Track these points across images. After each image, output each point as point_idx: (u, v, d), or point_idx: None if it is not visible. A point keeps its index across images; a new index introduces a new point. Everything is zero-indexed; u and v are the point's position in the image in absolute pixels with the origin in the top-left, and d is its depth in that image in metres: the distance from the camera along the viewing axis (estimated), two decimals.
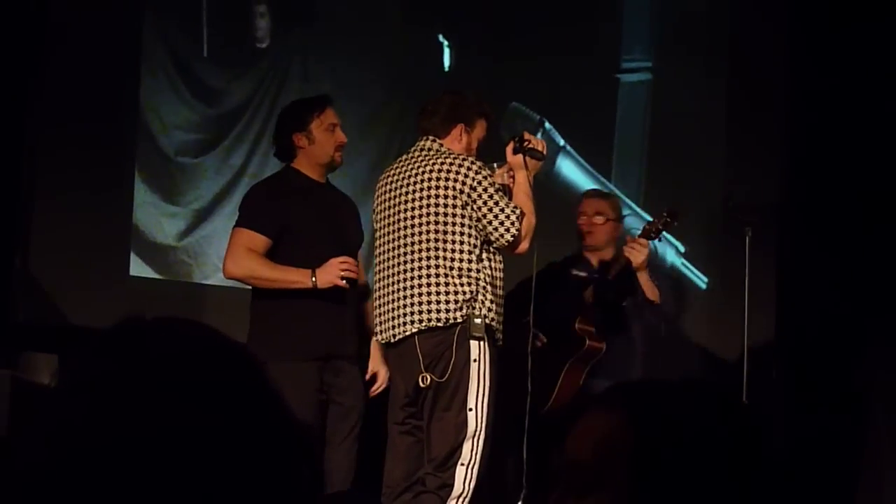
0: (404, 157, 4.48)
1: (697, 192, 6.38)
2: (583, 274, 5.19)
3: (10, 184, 5.70)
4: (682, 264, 6.25)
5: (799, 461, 6.04)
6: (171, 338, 1.06)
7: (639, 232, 5.09)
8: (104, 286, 5.75)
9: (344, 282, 4.38)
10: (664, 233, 5.12)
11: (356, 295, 4.54)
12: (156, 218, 6.04)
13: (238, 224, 4.50)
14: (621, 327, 5.15)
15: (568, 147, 6.36)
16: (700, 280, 6.30)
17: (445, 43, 6.41)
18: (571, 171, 6.39)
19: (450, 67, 6.40)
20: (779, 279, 6.20)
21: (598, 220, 5.19)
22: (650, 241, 5.03)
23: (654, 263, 5.40)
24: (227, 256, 4.47)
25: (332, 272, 4.36)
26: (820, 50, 6.32)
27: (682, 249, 6.30)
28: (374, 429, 4.47)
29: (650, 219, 5.69)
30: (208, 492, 0.98)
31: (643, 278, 5.00)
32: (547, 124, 6.33)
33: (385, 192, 4.44)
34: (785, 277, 6.21)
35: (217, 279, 5.64)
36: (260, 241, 4.42)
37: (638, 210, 6.30)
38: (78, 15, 5.92)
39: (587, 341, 5.00)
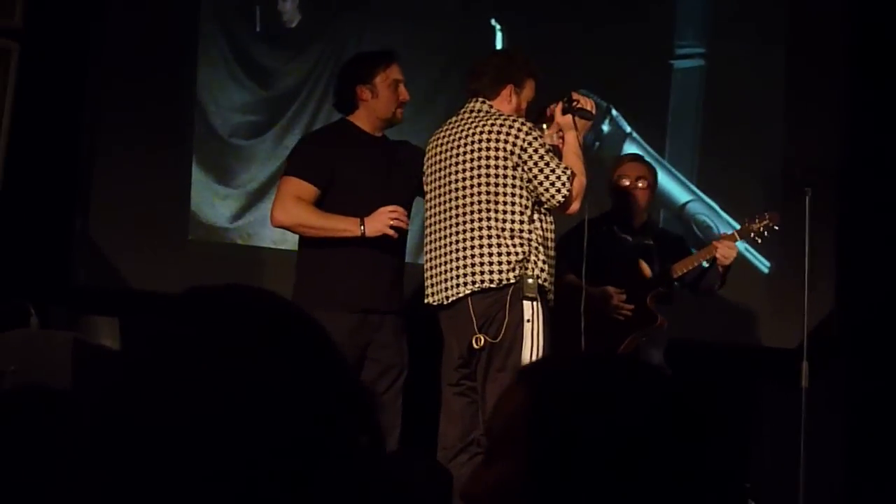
0: (454, 118, 4.48)
1: (755, 164, 6.34)
2: (628, 237, 5.20)
3: (70, 147, 5.79)
4: (746, 249, 6.23)
5: (860, 429, 5.99)
6: (233, 302, 1.08)
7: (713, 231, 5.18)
8: (163, 249, 5.82)
9: (393, 231, 4.37)
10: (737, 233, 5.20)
11: (401, 247, 4.52)
12: (209, 199, 6.07)
13: (286, 172, 4.51)
14: (672, 301, 5.21)
15: (634, 134, 6.33)
16: (762, 264, 6.25)
17: (498, 27, 6.36)
18: None
19: (498, 49, 6.33)
20: (839, 241, 6.14)
21: (642, 184, 5.20)
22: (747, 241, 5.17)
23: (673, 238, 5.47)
24: (276, 204, 4.48)
25: (382, 220, 4.35)
26: (881, 7, 6.24)
27: None
28: (429, 390, 4.50)
29: (734, 223, 5.71)
30: (268, 451, 1.00)
31: (723, 272, 5.06)
32: (613, 111, 6.30)
33: (435, 154, 4.45)
34: (846, 239, 6.16)
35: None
36: (308, 189, 4.42)
37: (724, 215, 6.28)
38: None
39: (659, 318, 5.04)
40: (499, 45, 6.30)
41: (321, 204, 4.44)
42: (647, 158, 5.91)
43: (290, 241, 5.29)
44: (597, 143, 6.21)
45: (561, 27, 6.33)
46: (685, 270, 5.11)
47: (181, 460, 0.99)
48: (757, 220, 5.12)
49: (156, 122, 5.91)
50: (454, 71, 6.26)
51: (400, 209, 4.41)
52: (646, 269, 5.10)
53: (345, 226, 4.38)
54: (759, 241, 5.24)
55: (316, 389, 1.03)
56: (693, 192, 6.35)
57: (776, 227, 5.12)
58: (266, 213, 5.89)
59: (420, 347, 4.58)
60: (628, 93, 6.37)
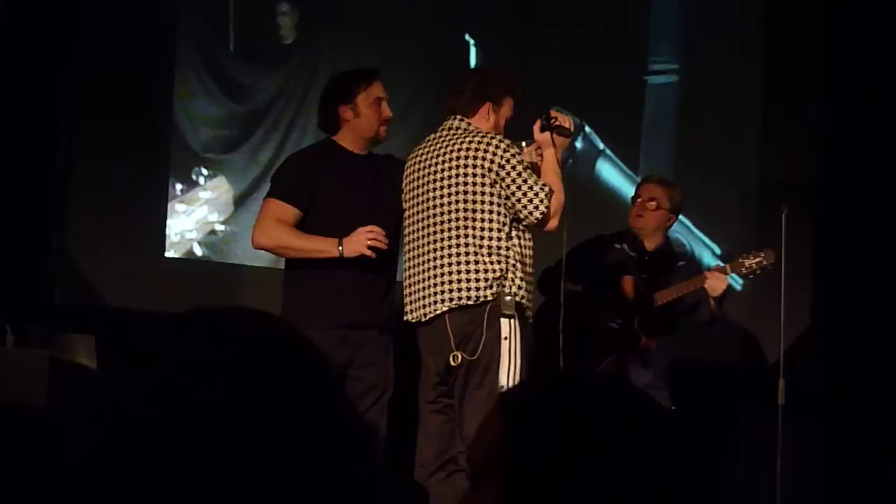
0: (432, 136, 4.48)
1: (730, 181, 6.37)
2: (633, 254, 5.22)
3: (46, 165, 5.77)
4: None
5: (836, 447, 6.01)
6: (215, 321, 1.07)
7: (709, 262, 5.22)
8: (140, 267, 5.80)
9: (371, 251, 4.39)
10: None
11: (388, 265, 4.54)
12: (182, 214, 6.06)
13: (268, 195, 4.52)
14: (672, 326, 5.21)
15: (607, 151, 6.35)
16: (735, 282, 6.29)
17: (472, 42, 6.37)
18: (611, 174, 6.38)
19: (476, 67, 6.33)
20: (815, 258, 6.17)
21: (651, 205, 5.20)
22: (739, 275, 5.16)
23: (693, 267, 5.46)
24: (256, 226, 4.49)
25: (360, 241, 4.36)
26: (856, 26, 6.28)
27: (719, 252, 6.28)
28: (407, 407, 4.49)
29: (707, 240, 5.72)
30: (259, 472, 0.98)
31: (713, 305, 5.04)
32: (587, 128, 6.32)
33: (413, 171, 4.45)
34: (822, 256, 6.19)
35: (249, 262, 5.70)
36: (289, 211, 4.43)
37: (698, 232, 6.29)
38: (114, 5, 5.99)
39: (643, 339, 5.05)
40: (473, 61, 6.31)
41: (305, 225, 4.45)
42: (622, 176, 5.94)
43: (264, 258, 5.29)
44: (570, 160, 6.24)
45: (534, 43, 6.34)
46: (668, 300, 5.11)
47: (179, 482, 0.98)
48: (751, 256, 5.08)
49: (132, 138, 5.90)
50: (429, 86, 6.27)
51: (378, 229, 4.41)
52: (627, 287, 5.12)
53: (323, 247, 4.39)
54: (752, 277, 5.21)
55: (319, 419, 1.02)
56: (695, 235, 6.37)
57: (770, 266, 5.09)
58: (238, 229, 5.91)
59: (398, 364, 4.57)
60: (602, 109, 6.39)
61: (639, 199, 5.23)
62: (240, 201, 6.08)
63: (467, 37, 6.39)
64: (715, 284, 4.99)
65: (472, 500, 1.20)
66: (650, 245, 5.22)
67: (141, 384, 1.01)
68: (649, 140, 6.49)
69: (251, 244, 4.58)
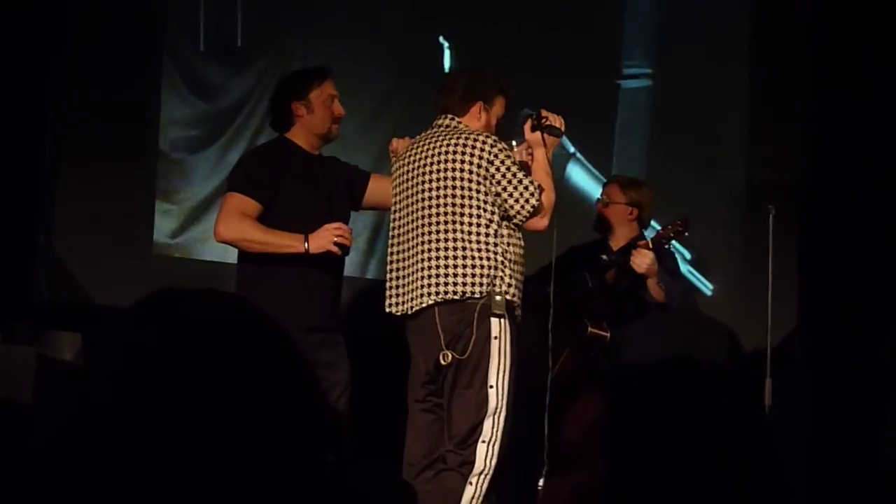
0: (423, 134, 4.48)
1: (713, 182, 6.36)
2: (604, 256, 5.23)
3: (33, 161, 5.76)
4: (688, 271, 6.25)
5: (821, 443, 6.01)
6: (195, 310, 1.07)
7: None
8: (127, 264, 5.78)
9: (336, 248, 4.37)
10: (673, 241, 5.22)
11: (341, 266, 4.52)
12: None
13: (230, 188, 4.48)
14: (635, 315, 5.19)
15: (578, 154, 6.35)
16: (705, 287, 6.29)
17: (446, 45, 6.36)
18: (581, 177, 6.38)
19: (450, 70, 6.29)
20: (802, 258, 6.18)
21: (603, 204, 5.27)
22: (661, 247, 5.12)
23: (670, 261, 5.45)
24: (219, 219, 4.44)
25: (326, 237, 4.34)
26: (842, 25, 6.29)
27: (689, 256, 6.29)
28: (395, 406, 4.48)
29: (683, 250, 5.74)
30: (236, 464, 0.98)
31: (650, 283, 5.06)
32: None
33: (403, 168, 4.45)
34: (808, 256, 6.20)
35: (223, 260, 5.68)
36: (252, 205, 4.40)
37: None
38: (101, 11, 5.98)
39: (588, 329, 5.04)
40: (447, 63, 6.30)
41: (264, 221, 4.41)
42: (592, 180, 5.95)
43: (234, 257, 5.27)
44: None
45: (507, 45, 6.32)
46: (612, 279, 5.11)
47: (150, 472, 0.98)
48: (670, 227, 5.11)
49: (120, 137, 5.88)
50: (402, 86, 6.25)
51: (344, 226, 4.41)
52: (599, 282, 5.15)
53: (288, 241, 4.36)
54: (669, 247, 5.23)
55: (284, 403, 1.02)
56: None
57: (686, 233, 5.12)
58: (206, 230, 5.85)
59: (385, 362, 4.57)
60: (575, 112, 6.35)
61: (598, 201, 5.31)
62: (210, 201, 6.03)
63: (441, 38, 6.37)
64: (638, 261, 5.00)
65: (563, 484, 1.20)
66: (617, 244, 5.25)
67: (124, 379, 1.01)
68: (622, 144, 6.49)
69: (214, 237, 4.52)
